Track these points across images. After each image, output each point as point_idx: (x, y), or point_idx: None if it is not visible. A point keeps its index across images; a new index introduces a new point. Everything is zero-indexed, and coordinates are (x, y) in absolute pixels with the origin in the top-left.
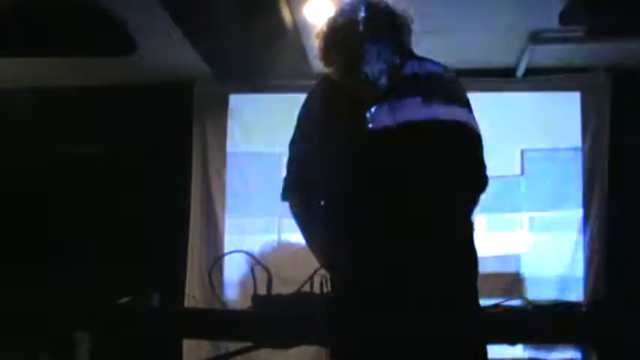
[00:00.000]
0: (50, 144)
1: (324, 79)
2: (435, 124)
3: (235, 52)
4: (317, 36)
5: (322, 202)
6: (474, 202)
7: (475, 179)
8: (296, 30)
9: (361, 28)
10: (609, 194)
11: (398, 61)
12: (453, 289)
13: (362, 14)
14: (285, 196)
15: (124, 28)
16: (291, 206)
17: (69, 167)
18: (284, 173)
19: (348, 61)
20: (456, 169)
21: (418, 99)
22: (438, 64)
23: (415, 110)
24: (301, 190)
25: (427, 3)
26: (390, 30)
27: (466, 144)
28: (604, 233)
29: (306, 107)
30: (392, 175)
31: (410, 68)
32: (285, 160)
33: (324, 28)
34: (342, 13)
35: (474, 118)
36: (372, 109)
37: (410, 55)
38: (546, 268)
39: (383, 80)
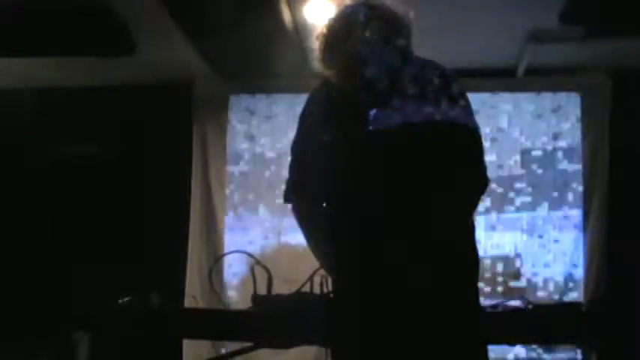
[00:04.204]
0: (50, 144)
1: (326, 81)
2: (435, 126)
3: (235, 52)
4: (317, 38)
5: (324, 204)
6: (474, 202)
7: (476, 180)
8: (296, 30)
9: (361, 30)
10: (609, 194)
11: (398, 64)
12: (453, 289)
13: (362, 16)
14: (287, 198)
15: (124, 28)
16: (294, 208)
17: (69, 167)
18: (285, 174)
19: (348, 63)
20: (457, 170)
21: (418, 101)
22: (437, 65)
23: (415, 112)
24: (304, 192)
25: (427, 3)
26: (391, 32)
27: (466, 145)
28: (604, 233)
29: (307, 109)
30: (393, 177)
31: (410, 70)
32: (285, 160)
33: (324, 31)
34: (342, 15)
35: (474, 118)
36: (373, 112)
37: (410, 57)
38: (546, 268)
39: (383, 83)
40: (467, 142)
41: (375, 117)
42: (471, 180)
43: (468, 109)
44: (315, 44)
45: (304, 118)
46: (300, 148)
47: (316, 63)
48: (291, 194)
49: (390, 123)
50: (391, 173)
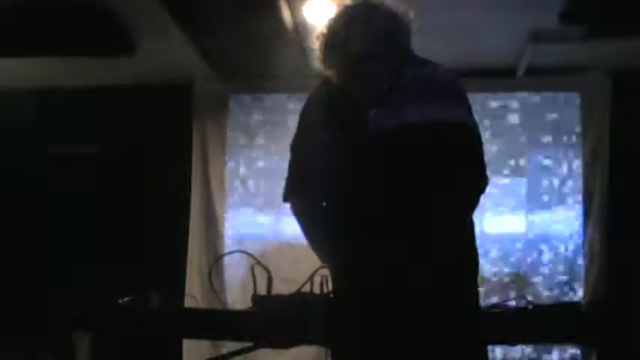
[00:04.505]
0: (50, 144)
1: (326, 80)
2: (435, 126)
3: (235, 51)
4: (317, 38)
5: (324, 204)
6: (474, 202)
7: (475, 180)
8: (296, 30)
9: (361, 30)
10: (609, 194)
11: (398, 64)
12: (453, 289)
13: (362, 16)
14: (287, 197)
15: (124, 28)
16: (293, 207)
17: (69, 167)
18: (285, 173)
19: (348, 63)
20: (457, 170)
21: (419, 101)
22: (437, 65)
23: (415, 112)
24: (303, 191)
25: (426, 3)
26: (390, 31)
27: (466, 144)
28: (604, 233)
29: (308, 108)
30: (393, 177)
31: (410, 70)
32: (285, 159)
33: (324, 31)
34: (342, 15)
35: (473, 118)
36: (373, 112)
37: (410, 57)
38: (546, 268)
39: (383, 82)
40: (467, 141)
41: (375, 117)
42: (470, 179)
43: (467, 109)
44: (315, 44)
45: (304, 118)
46: (299, 147)
47: (316, 63)
48: (291, 193)
49: (390, 123)
50: (391, 173)
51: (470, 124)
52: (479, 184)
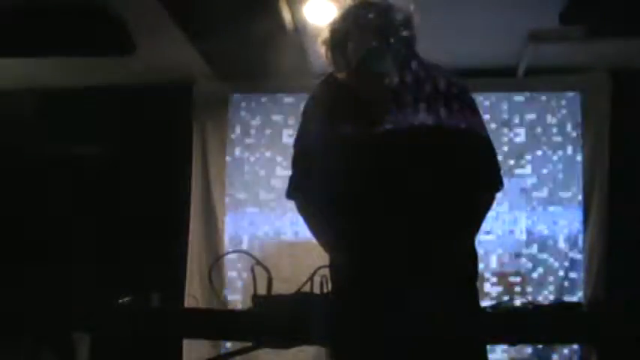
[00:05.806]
0: (50, 144)
1: (329, 77)
2: (437, 129)
3: (235, 51)
4: (323, 43)
5: (328, 201)
6: (489, 204)
7: (490, 182)
8: (296, 30)
9: (364, 30)
10: (609, 194)
11: (403, 63)
12: (453, 288)
13: (363, 15)
14: (290, 194)
15: (124, 28)
16: (298, 204)
17: (69, 167)
18: (286, 173)
19: (354, 64)
20: (457, 173)
21: (421, 103)
22: (438, 66)
23: (418, 115)
24: (307, 188)
25: (427, 3)
26: (393, 27)
27: (482, 148)
28: (604, 233)
29: (311, 105)
30: (394, 178)
31: (414, 71)
32: (285, 159)
33: (328, 34)
34: (343, 16)
35: (484, 123)
36: (377, 112)
37: (413, 57)
38: (546, 268)
39: (389, 82)
40: (479, 145)
41: (378, 117)
42: (486, 182)
43: (478, 115)
44: (322, 49)
45: (307, 115)
46: (302, 144)
47: (316, 61)
48: (294, 190)
49: (392, 124)
50: (392, 174)
51: (483, 131)
52: (497, 186)
